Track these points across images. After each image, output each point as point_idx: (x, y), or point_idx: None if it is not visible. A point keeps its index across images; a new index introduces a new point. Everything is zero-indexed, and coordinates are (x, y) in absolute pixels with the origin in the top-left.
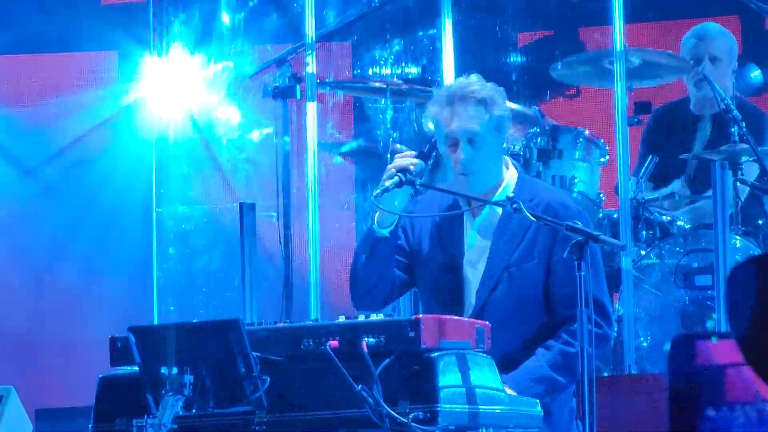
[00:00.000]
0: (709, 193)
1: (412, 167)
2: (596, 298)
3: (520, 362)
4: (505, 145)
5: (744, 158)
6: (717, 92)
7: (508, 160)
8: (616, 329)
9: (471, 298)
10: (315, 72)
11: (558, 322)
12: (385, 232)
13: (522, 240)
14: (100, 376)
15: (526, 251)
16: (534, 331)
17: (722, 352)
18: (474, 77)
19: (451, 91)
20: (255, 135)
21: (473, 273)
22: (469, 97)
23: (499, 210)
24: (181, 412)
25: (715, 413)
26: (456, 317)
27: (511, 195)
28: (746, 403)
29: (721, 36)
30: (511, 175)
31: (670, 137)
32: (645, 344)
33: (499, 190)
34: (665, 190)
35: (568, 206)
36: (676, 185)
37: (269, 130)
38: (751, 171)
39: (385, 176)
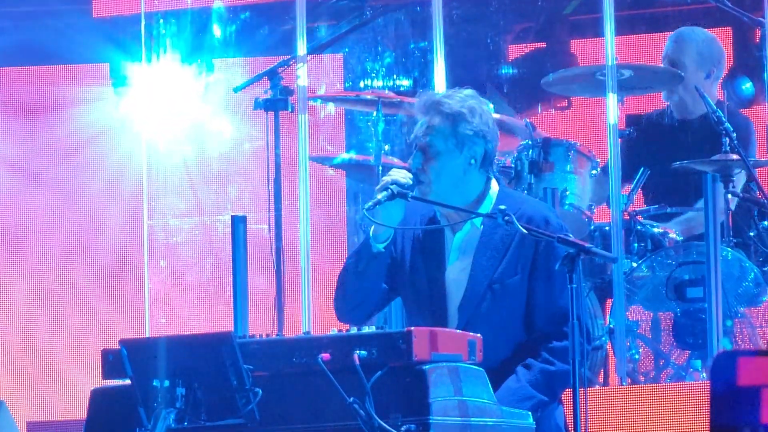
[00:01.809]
0: (700, 204)
1: (404, 180)
2: (569, 312)
3: (500, 379)
4: (497, 158)
5: (736, 171)
6: (708, 104)
7: (490, 174)
8: (606, 340)
9: (454, 314)
10: (306, 84)
11: (536, 338)
12: (381, 247)
13: (504, 255)
14: (93, 389)
15: (509, 267)
16: (515, 348)
17: (763, 371)
18: (466, 91)
19: (429, 98)
20: (246, 147)
21: (456, 289)
22: (439, 109)
23: (480, 226)
24: (173, 425)
25: None
26: (448, 329)
27: (503, 207)
28: None
29: (688, 42)
30: (493, 189)
31: (653, 146)
32: (637, 356)
33: (480, 205)
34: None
35: (550, 221)
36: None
37: (260, 142)
38: (737, 179)
39: (377, 189)
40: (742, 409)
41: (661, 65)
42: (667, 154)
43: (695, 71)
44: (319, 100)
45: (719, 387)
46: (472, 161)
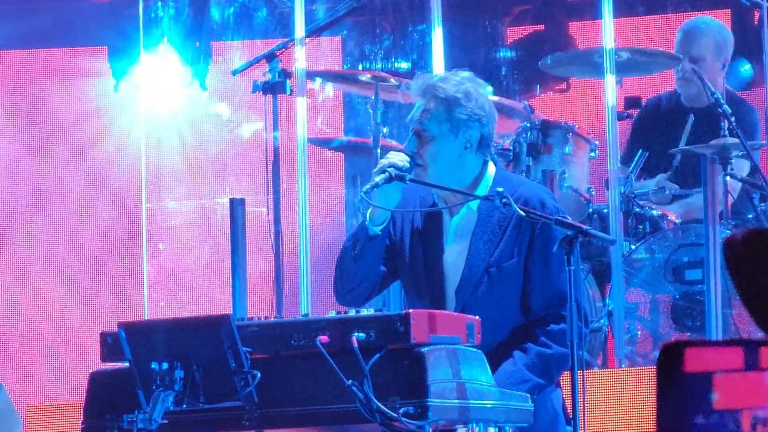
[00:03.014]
0: (700, 188)
1: (402, 163)
2: (566, 295)
3: (497, 362)
4: (495, 141)
5: (734, 153)
6: (707, 87)
7: (487, 157)
8: (605, 323)
9: (451, 297)
10: (305, 67)
11: (533, 321)
12: (378, 229)
13: (501, 238)
14: (91, 372)
15: (506, 250)
16: (512, 331)
17: (713, 359)
18: (463, 74)
19: (424, 81)
20: (245, 130)
21: (453, 272)
22: (434, 93)
23: (476, 209)
24: (171, 408)
25: (705, 421)
26: (446, 312)
27: (500, 190)
28: (736, 411)
29: (705, 34)
30: (489, 171)
31: (658, 130)
32: (636, 339)
33: (476, 188)
34: (649, 184)
35: (546, 204)
36: (661, 180)
37: (259, 125)
38: (741, 166)
39: (375, 172)
40: (692, 397)
41: (659, 48)
42: (671, 139)
43: (714, 62)
44: (319, 79)
45: (667, 377)
46: (468, 145)
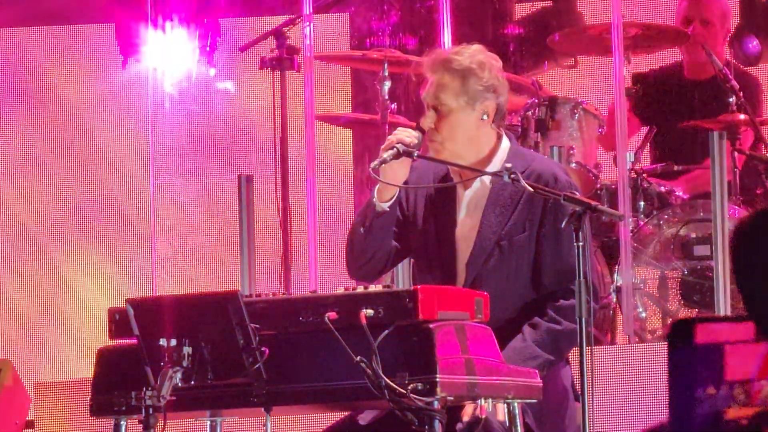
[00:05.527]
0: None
1: (409, 139)
2: (576, 270)
3: (507, 337)
4: (504, 117)
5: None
6: (715, 62)
7: (501, 130)
8: (614, 299)
9: (462, 270)
10: (312, 43)
11: (543, 296)
12: (386, 206)
13: (513, 212)
14: (99, 348)
15: (517, 223)
16: (522, 306)
17: (722, 332)
18: (473, 47)
19: (437, 56)
20: (252, 107)
21: (464, 245)
22: (448, 66)
23: (489, 183)
24: (179, 384)
25: (715, 391)
26: (454, 288)
27: (509, 166)
28: (746, 381)
29: (713, 0)
30: (504, 145)
31: (662, 104)
32: (644, 315)
33: (491, 161)
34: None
35: (559, 178)
36: None
37: (267, 101)
38: (746, 138)
39: (382, 148)
40: (702, 369)
41: (668, 24)
42: (676, 112)
43: (720, 29)
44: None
45: (678, 351)
46: (485, 116)
